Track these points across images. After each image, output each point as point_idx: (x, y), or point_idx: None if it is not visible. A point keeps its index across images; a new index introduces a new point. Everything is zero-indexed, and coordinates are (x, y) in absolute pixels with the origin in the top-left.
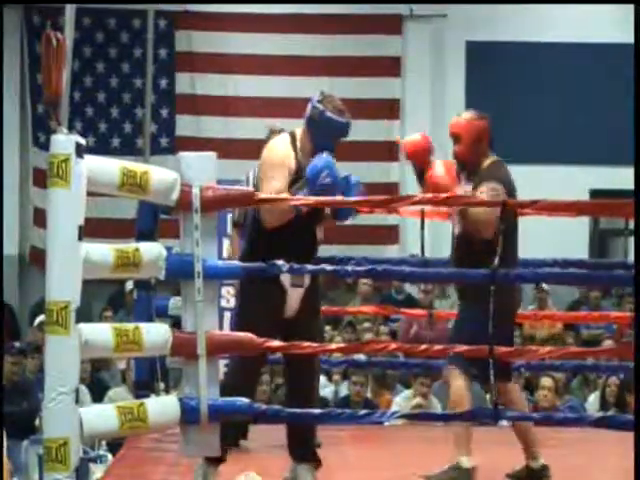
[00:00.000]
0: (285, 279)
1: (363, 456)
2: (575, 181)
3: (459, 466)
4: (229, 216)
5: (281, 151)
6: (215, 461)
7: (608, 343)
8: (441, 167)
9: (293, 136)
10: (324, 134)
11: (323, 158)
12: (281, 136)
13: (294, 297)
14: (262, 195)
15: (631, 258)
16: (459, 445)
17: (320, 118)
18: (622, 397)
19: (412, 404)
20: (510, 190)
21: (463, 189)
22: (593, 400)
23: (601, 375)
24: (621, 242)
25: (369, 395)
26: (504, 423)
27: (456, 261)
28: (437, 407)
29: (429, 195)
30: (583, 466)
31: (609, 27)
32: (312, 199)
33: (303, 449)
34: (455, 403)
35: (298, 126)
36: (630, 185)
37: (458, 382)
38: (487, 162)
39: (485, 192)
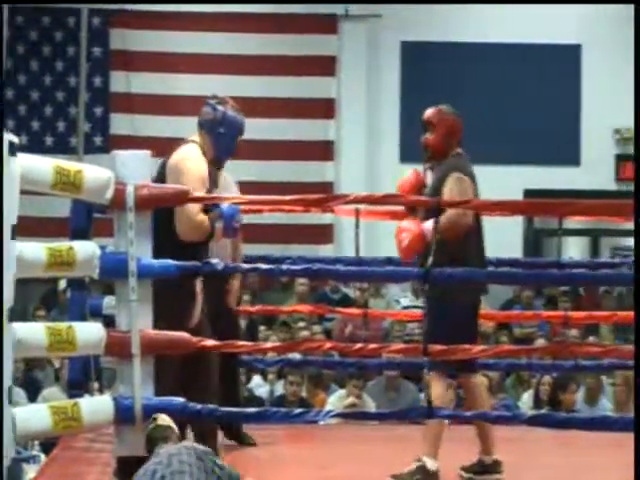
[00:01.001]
0: (198, 287)
1: (298, 454)
2: (509, 181)
3: (425, 469)
4: None
5: (197, 163)
6: None
7: (541, 342)
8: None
9: (198, 145)
10: (227, 135)
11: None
12: (191, 147)
13: (199, 306)
14: (197, 194)
15: (564, 257)
16: (428, 445)
17: (224, 120)
18: (555, 395)
19: (345, 403)
20: (474, 182)
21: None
22: (527, 399)
23: (534, 374)
24: (555, 242)
25: (304, 394)
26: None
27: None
28: (371, 406)
29: (363, 194)
30: (515, 464)
31: (543, 28)
32: (246, 198)
33: None
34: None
35: None
36: (564, 185)
37: (439, 387)
38: (452, 153)
39: (452, 184)
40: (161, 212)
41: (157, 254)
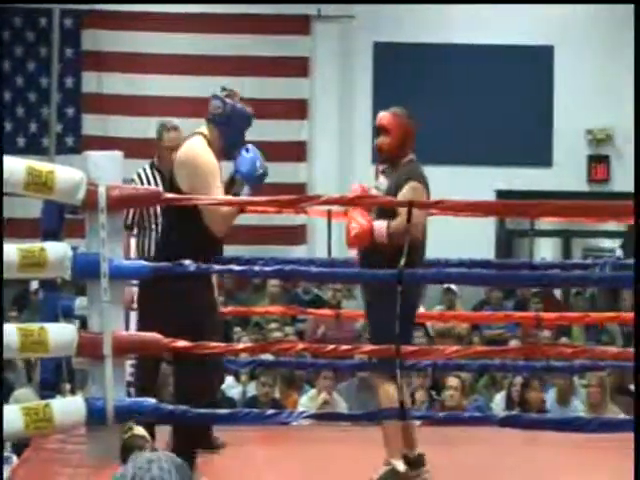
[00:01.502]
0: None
1: (271, 456)
2: (481, 181)
3: (396, 471)
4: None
5: (208, 156)
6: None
7: (514, 343)
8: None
9: (205, 137)
10: (236, 128)
11: (249, 151)
12: (197, 139)
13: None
14: (169, 195)
15: (536, 258)
16: (392, 448)
17: (233, 112)
18: (524, 396)
19: (318, 401)
20: (427, 188)
21: (381, 183)
22: (499, 400)
23: (507, 375)
24: (527, 242)
25: (277, 396)
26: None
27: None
28: (342, 406)
29: (336, 195)
30: (486, 465)
31: (516, 29)
32: (220, 198)
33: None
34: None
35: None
36: (536, 186)
37: (387, 388)
38: (406, 159)
39: (407, 192)
40: (181, 211)
41: (178, 253)
